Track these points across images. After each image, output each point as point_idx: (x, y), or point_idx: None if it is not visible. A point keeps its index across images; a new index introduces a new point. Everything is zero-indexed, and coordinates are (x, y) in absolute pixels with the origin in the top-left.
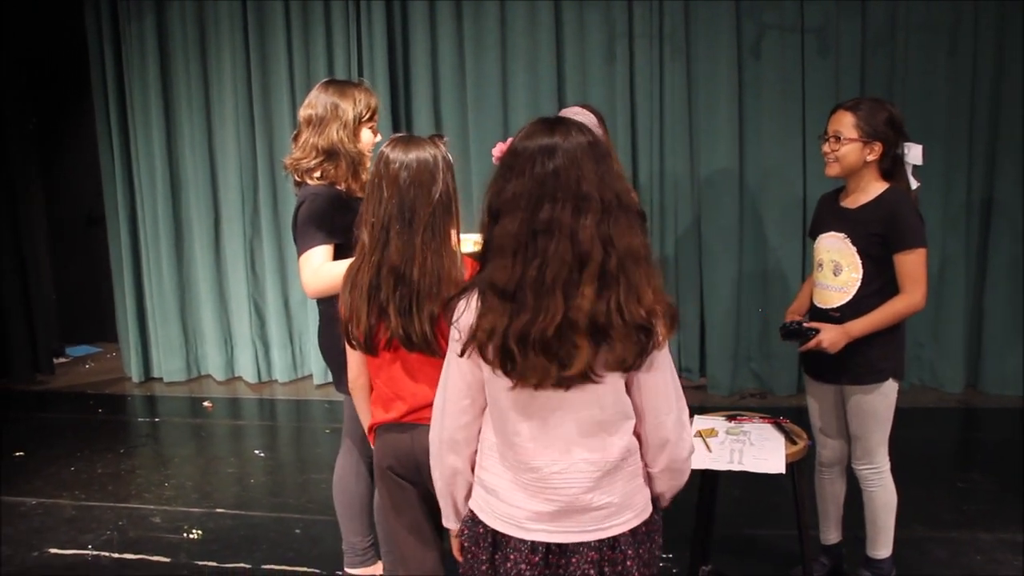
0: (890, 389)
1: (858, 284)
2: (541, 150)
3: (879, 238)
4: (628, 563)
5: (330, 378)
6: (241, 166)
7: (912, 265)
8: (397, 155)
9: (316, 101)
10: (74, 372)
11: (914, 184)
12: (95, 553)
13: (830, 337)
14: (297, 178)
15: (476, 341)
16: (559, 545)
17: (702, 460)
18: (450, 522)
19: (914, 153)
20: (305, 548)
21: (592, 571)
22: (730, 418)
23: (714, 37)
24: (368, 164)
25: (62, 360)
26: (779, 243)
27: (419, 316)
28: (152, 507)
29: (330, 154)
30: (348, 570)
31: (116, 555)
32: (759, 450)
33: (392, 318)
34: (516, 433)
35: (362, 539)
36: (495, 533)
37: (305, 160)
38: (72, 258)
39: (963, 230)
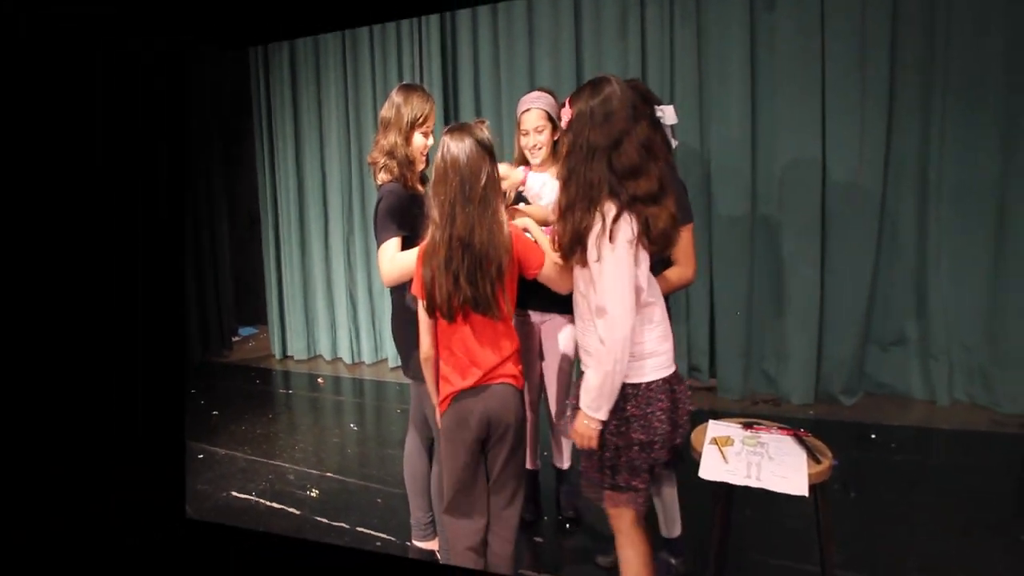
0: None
1: None
2: (628, 98)
3: None
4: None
5: (400, 362)
6: (340, 171)
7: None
8: (456, 141)
9: (387, 104)
10: (243, 348)
11: (673, 143)
12: (256, 500)
13: None
14: (374, 175)
15: (658, 238)
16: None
17: (718, 471)
18: (614, 403)
19: (668, 114)
20: (386, 517)
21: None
22: (746, 426)
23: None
24: (419, 166)
25: (237, 338)
26: (792, 224)
27: (483, 281)
28: (288, 466)
29: (389, 154)
30: (415, 542)
31: (268, 503)
32: (778, 466)
33: (463, 285)
34: (655, 294)
35: (424, 514)
36: (665, 380)
37: (377, 159)
38: (239, 254)
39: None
